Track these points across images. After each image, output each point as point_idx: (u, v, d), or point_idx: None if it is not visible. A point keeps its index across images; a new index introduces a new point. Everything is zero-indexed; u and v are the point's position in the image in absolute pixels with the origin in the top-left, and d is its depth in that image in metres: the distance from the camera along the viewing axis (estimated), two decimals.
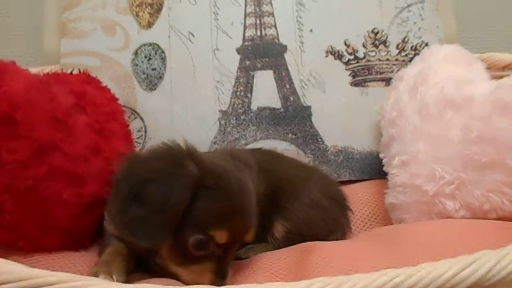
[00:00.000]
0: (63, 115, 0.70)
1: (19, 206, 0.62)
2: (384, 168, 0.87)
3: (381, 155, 0.90)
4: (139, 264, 0.59)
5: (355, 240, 0.75)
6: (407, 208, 0.75)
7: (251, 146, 1.02)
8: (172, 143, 0.57)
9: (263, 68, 1.04)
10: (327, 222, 0.74)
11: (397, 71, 0.99)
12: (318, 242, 0.64)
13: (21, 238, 0.63)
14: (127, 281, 0.53)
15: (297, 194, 0.74)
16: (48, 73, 0.85)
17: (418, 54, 1.03)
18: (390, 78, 1.00)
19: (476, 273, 0.40)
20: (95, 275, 0.52)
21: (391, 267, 0.40)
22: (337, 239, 0.73)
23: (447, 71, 0.83)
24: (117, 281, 0.52)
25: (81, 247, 0.70)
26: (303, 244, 0.64)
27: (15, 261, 0.60)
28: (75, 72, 0.92)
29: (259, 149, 0.87)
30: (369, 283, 0.41)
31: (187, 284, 0.53)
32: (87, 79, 0.91)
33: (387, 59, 1.06)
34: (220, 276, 0.54)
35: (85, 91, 0.84)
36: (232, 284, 0.54)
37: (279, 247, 0.69)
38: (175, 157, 0.55)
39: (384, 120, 0.90)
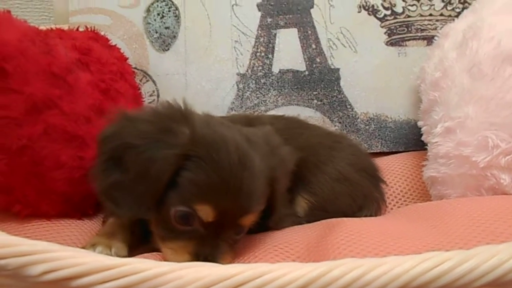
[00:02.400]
0: (62, 70, 0.65)
1: (13, 167, 0.58)
2: (423, 138, 0.81)
3: (419, 123, 0.83)
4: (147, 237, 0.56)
5: (387, 216, 0.70)
6: (450, 182, 0.69)
7: (271, 112, 0.96)
8: (170, 104, 0.54)
9: (286, 26, 0.97)
10: (355, 197, 0.69)
11: (442, 28, 0.90)
12: (345, 218, 0.60)
13: (17, 202, 0.60)
14: (129, 256, 0.51)
15: (322, 166, 0.69)
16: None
17: (466, 8, 0.92)
18: (433, 37, 0.92)
19: None
20: (93, 247, 0.51)
21: (432, 249, 0.35)
22: (370, 216, 0.68)
23: (505, 24, 0.72)
24: (116, 255, 0.49)
25: (85, 215, 0.67)
26: (328, 220, 0.60)
27: (10, 226, 0.58)
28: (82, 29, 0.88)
29: (280, 116, 0.83)
30: (408, 268, 0.34)
31: None
32: (94, 36, 0.88)
33: (430, 14, 0.95)
34: (202, 259, 0.48)
35: (91, 48, 0.80)
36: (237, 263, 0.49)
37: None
38: (165, 122, 0.51)
39: (424, 83, 0.83)
